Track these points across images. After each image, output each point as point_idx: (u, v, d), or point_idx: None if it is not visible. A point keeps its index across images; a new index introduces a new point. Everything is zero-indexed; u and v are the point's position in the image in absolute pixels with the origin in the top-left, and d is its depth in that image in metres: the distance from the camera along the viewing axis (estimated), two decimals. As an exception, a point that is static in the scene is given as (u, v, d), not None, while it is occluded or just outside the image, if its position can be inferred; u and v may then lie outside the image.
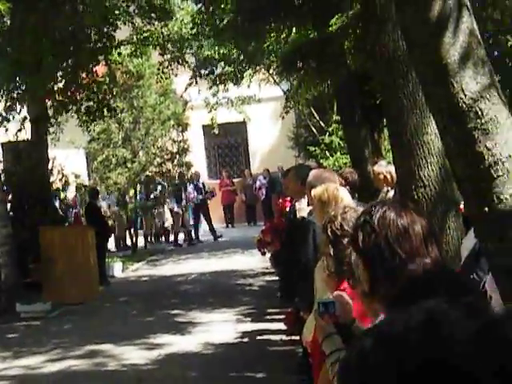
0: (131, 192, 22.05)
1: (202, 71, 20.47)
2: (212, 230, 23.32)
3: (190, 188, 23.31)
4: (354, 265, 2.67)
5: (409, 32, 3.67)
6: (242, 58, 18.44)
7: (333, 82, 11.25)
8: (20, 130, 15.79)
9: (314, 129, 19.92)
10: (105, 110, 16.35)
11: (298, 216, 7.61)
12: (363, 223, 2.52)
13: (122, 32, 16.52)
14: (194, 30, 17.68)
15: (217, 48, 18.65)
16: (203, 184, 24.17)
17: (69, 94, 15.73)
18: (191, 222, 23.45)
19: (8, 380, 8.95)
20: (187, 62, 19.96)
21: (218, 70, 20.42)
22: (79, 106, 16.13)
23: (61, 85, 15.57)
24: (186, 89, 22.10)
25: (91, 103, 16.21)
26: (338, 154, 16.89)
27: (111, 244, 20.72)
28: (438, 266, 2.41)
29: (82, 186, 21.30)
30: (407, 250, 2.41)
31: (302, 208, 7.33)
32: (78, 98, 15.91)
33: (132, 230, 21.98)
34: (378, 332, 1.14)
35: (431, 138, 5.89)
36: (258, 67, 19.21)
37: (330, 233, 3.71)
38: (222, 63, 19.76)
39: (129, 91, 20.84)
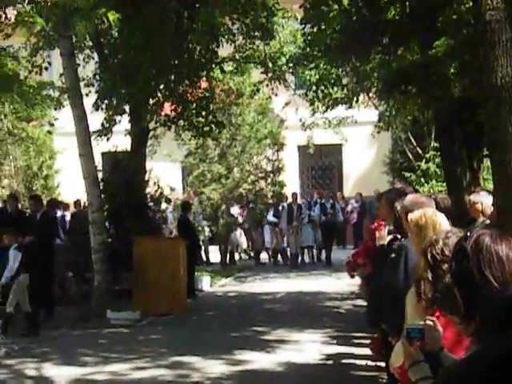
0: (223, 208, 22.23)
1: (311, 95, 20.12)
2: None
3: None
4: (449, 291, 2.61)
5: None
6: (350, 80, 18.24)
7: (434, 107, 11.08)
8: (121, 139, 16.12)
9: (410, 155, 19.68)
10: (213, 126, 16.49)
11: (377, 244, 7.52)
12: (458, 248, 2.48)
13: (224, 50, 16.72)
14: (298, 50, 17.67)
15: (319, 69, 18.46)
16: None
17: (173, 108, 15.98)
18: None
19: (95, 384, 9.13)
20: (287, 82, 20.02)
21: (332, 92, 20.02)
22: (189, 120, 16.32)
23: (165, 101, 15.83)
24: (284, 107, 22.20)
25: (200, 118, 16.41)
26: (434, 181, 16.67)
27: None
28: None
29: (177, 200, 21.62)
30: (499, 276, 2.35)
31: (382, 236, 7.24)
32: (187, 113, 16.10)
33: (223, 246, 22.14)
34: (465, 364, 1.11)
35: (536, 167, 5.74)
36: (359, 89, 19.02)
37: (430, 257, 3.62)
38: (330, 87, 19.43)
39: (227, 108, 21.09)
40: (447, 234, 3.67)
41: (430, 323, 3.47)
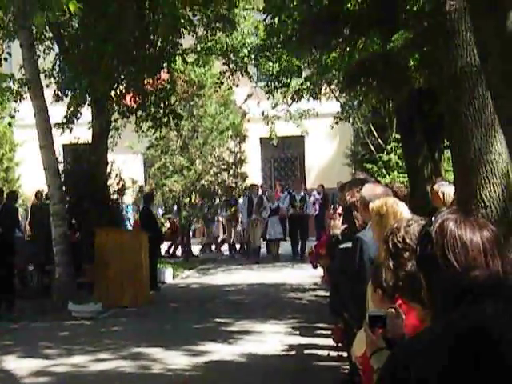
0: (186, 200, 22.21)
1: (271, 85, 19.98)
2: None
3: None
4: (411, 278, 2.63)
5: (484, 44, 3.61)
6: (307, 71, 18.17)
7: (394, 99, 11.15)
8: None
9: (372, 146, 19.80)
10: (170, 117, 16.47)
11: (331, 233, 7.56)
12: (423, 233, 2.50)
13: (185, 41, 16.65)
14: (259, 41, 17.63)
15: (281, 61, 18.41)
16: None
17: (133, 99, 15.92)
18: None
19: (54, 376, 9.05)
20: (249, 73, 19.98)
21: (293, 83, 19.85)
22: (148, 111, 16.27)
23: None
24: (246, 100, 22.20)
25: (158, 109, 16.35)
26: (396, 172, 16.78)
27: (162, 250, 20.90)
28: (494, 278, 2.34)
29: (139, 192, 21.53)
30: (462, 261, 2.37)
31: (336, 225, 7.28)
32: (147, 103, 16.04)
33: (185, 238, 22.13)
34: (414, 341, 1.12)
35: (495, 157, 5.78)
36: (320, 81, 19.01)
37: (391, 245, 3.64)
38: (291, 78, 19.22)
39: (189, 100, 21.02)
40: (408, 221, 3.69)
41: (392, 311, 3.50)
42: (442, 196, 8.20)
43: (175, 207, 22.42)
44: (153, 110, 16.28)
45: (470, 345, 1.02)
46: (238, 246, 23.28)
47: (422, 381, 1.03)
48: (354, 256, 5.47)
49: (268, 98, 20.85)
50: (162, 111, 16.34)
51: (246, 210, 21.67)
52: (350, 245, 6.10)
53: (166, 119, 16.43)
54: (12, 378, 9.02)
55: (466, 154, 5.91)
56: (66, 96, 15.60)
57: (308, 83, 18.91)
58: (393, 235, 3.64)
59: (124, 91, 15.51)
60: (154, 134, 17.64)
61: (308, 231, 21.77)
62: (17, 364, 9.64)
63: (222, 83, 19.75)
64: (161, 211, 22.14)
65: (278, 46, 16.32)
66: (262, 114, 23.02)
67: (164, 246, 21.16)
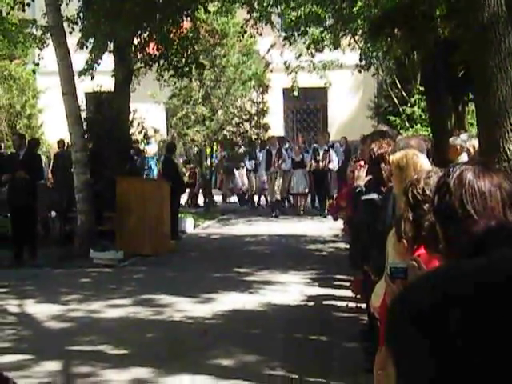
0: (208, 150, 22.22)
1: (289, 33, 19.66)
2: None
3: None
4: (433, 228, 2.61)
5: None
6: (331, 21, 17.78)
7: (419, 50, 11.00)
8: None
9: (395, 99, 19.60)
10: (193, 67, 16.37)
11: (354, 184, 7.53)
12: (441, 184, 2.48)
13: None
14: None
15: (303, 8, 18.03)
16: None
17: (155, 47, 15.82)
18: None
19: (72, 321, 9.17)
20: (273, 23, 19.75)
21: (313, 32, 19.41)
22: (170, 60, 16.18)
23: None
24: (269, 50, 21.98)
25: (180, 59, 16.24)
26: (419, 125, 16.64)
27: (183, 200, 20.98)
28: (510, 229, 2.32)
29: (161, 141, 21.54)
30: (481, 211, 2.35)
31: (360, 176, 7.25)
32: (168, 52, 15.94)
33: (206, 189, 22.20)
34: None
35: (520, 110, 5.72)
36: (344, 31, 18.68)
37: (410, 197, 3.62)
38: (311, 27, 18.77)
39: (212, 49, 20.87)
40: (428, 173, 3.66)
41: (414, 263, 3.49)
42: (472, 150, 8.11)
43: (196, 157, 22.44)
44: (175, 59, 16.17)
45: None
46: (258, 198, 23.34)
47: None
48: (384, 208, 5.44)
49: (289, 47, 20.43)
50: (184, 60, 16.24)
51: (264, 163, 21.29)
52: (374, 196, 6.08)
53: (187, 69, 16.32)
54: (32, 322, 9.17)
55: (491, 106, 5.84)
56: (89, 43, 15.52)
57: (329, 33, 18.57)
58: (412, 187, 3.62)
59: (147, 39, 15.42)
60: (175, 83, 17.51)
61: (330, 187, 20.90)
62: (37, 309, 9.80)
63: (245, 32, 19.55)
64: (181, 161, 22.15)
65: None
66: (285, 63, 22.70)
67: (184, 197, 21.23)
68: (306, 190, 21.16)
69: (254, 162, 22.62)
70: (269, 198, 21.80)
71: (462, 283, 1.06)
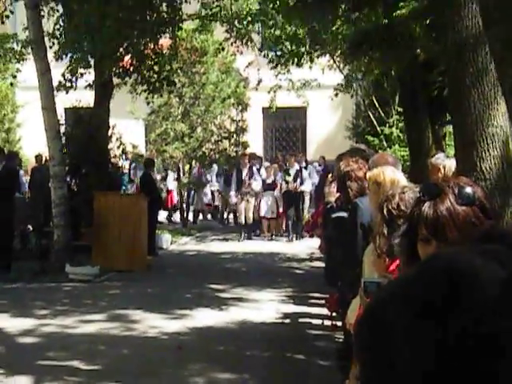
0: (187, 167, 22.21)
1: (267, 52, 19.60)
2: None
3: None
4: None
5: (488, 10, 3.58)
6: (309, 39, 17.79)
7: (396, 68, 11.06)
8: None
9: (373, 119, 19.71)
10: (164, 83, 16.37)
11: (325, 200, 7.55)
12: (417, 201, 2.52)
13: (188, 6, 16.48)
14: (261, 6, 17.41)
15: (284, 27, 17.99)
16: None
17: (130, 61, 15.81)
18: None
19: (44, 336, 9.07)
20: (252, 41, 19.78)
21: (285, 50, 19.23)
22: (142, 74, 16.18)
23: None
24: (247, 66, 21.95)
25: (152, 74, 16.25)
26: (397, 146, 16.73)
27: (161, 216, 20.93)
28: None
29: (139, 156, 21.52)
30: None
31: (331, 192, 7.27)
32: (142, 66, 15.94)
33: (184, 205, 22.18)
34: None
35: (496, 130, 5.76)
36: (322, 51, 18.68)
37: (385, 212, 3.64)
38: (288, 43, 18.59)
39: (191, 66, 20.91)
40: (403, 189, 3.70)
41: (390, 276, 3.51)
42: (442, 170, 8.17)
43: (170, 174, 22.51)
44: (147, 74, 16.18)
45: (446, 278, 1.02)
46: (227, 216, 23.31)
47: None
48: (353, 222, 5.47)
49: (268, 64, 20.28)
50: (156, 76, 16.26)
51: (235, 183, 19.92)
52: (343, 214, 6.10)
53: (159, 84, 16.34)
54: (3, 337, 9.05)
55: (467, 125, 5.89)
56: (66, 55, 15.49)
57: (303, 48, 18.43)
58: (388, 202, 3.64)
59: (123, 53, 15.42)
60: (146, 98, 17.47)
61: (302, 210, 19.72)
62: (9, 323, 9.68)
63: (223, 48, 19.57)
64: (159, 177, 22.14)
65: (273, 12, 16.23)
66: (258, 82, 22.30)
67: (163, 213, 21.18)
68: (274, 215, 20.00)
69: (222, 177, 22.42)
70: (238, 220, 20.40)
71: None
